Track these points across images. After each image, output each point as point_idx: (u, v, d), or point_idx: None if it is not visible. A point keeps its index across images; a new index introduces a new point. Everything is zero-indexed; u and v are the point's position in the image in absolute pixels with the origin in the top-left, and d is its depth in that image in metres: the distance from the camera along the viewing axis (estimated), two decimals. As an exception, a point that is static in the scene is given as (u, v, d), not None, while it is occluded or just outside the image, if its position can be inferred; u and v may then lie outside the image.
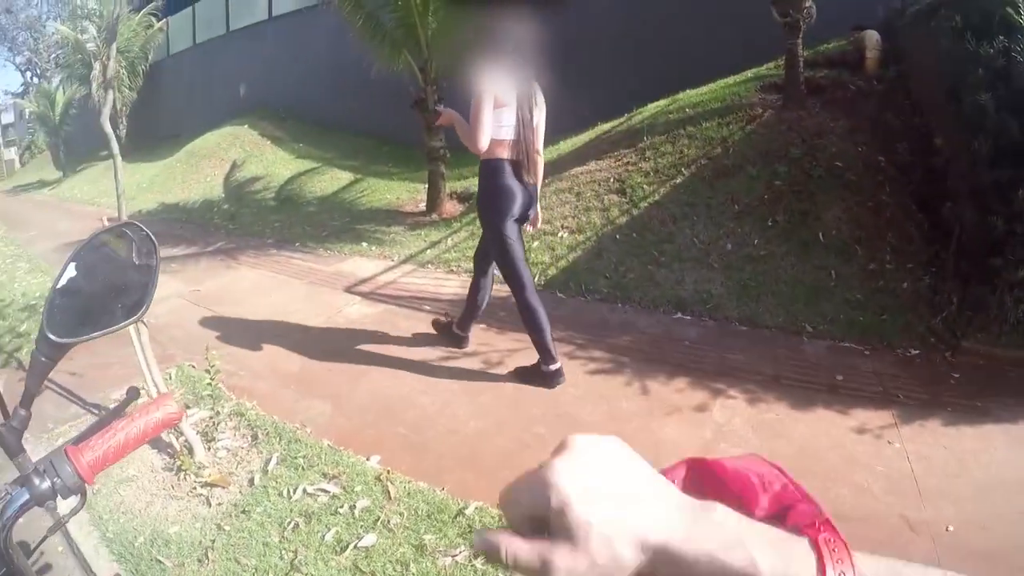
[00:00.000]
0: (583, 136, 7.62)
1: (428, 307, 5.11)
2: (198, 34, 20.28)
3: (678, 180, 5.71)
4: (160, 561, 2.77)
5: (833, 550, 0.45)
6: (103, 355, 5.40)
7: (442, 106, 4.09)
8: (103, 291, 0.95)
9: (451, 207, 7.77)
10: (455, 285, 5.53)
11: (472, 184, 8.10)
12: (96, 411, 4.45)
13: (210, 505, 3.14)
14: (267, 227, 9.23)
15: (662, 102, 7.16)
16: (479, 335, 4.46)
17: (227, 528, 2.93)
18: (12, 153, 43.97)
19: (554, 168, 6.78)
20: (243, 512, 3.03)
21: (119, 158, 3.37)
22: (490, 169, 3.62)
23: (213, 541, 2.85)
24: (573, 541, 0.48)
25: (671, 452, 2.93)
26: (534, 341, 3.69)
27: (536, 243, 5.61)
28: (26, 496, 0.90)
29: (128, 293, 0.95)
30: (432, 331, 4.49)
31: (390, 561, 2.57)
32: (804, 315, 4.20)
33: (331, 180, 10.69)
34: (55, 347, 0.89)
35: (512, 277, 3.70)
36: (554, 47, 8.79)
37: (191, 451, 3.48)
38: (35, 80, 40.74)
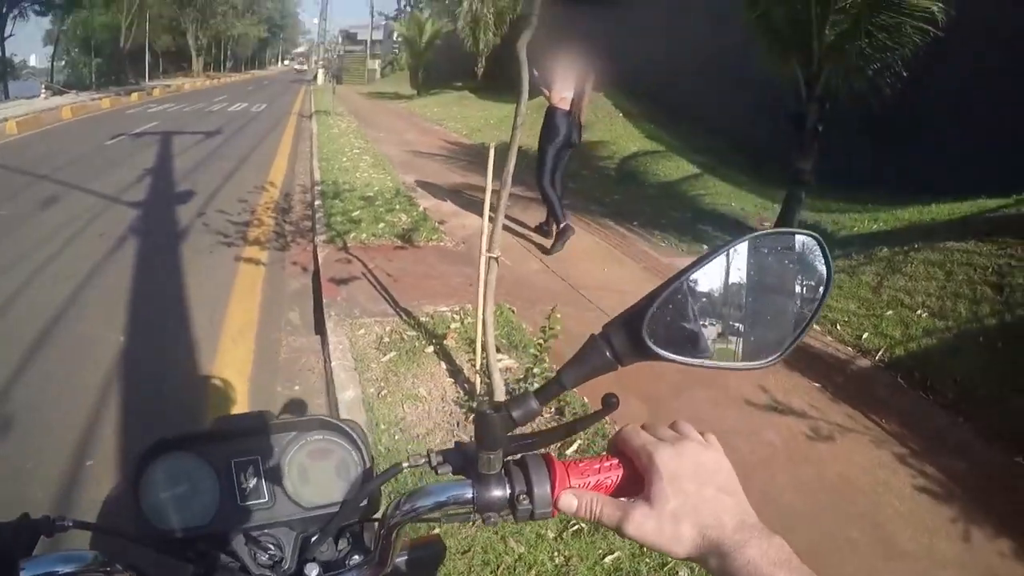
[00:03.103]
0: (962, 206, 6.84)
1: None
2: (571, -4, 20.86)
3: (1068, 297, 4.88)
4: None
5: None
6: (429, 265, 5.74)
7: (535, 72, 5.81)
8: (744, 310, 0.70)
9: (801, 238, 7.34)
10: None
11: (827, 220, 7.66)
12: (405, 317, 4.69)
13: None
14: (606, 196, 9.50)
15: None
16: (812, 396, 4.23)
17: (502, 496, 2.94)
18: (375, 65, 51.17)
19: (927, 234, 6.22)
20: (523, 485, 3.02)
21: (526, 87, 3.33)
22: (551, 112, 6.51)
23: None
24: (651, 505, 0.63)
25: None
26: (549, 211, 6.93)
27: (890, 312, 5.15)
28: (468, 495, 0.74)
29: (776, 324, 0.70)
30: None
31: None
32: None
33: (675, 168, 10.64)
34: (638, 351, 0.68)
35: (538, 174, 6.68)
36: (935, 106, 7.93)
37: (491, 396, 3.55)
38: (407, 8, 47.41)
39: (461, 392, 3.77)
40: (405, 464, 0.78)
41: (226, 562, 0.87)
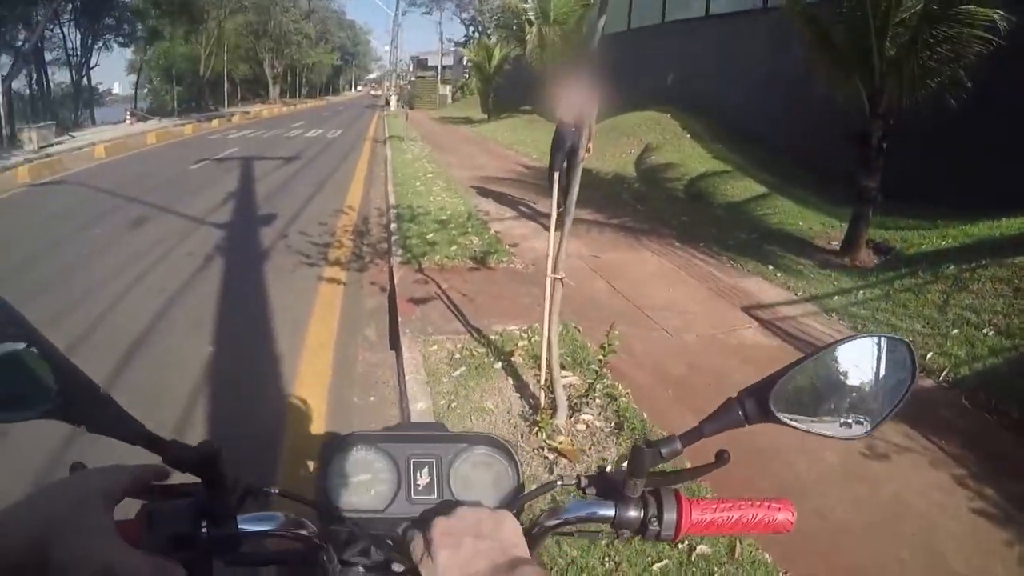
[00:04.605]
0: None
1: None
2: (633, 20, 21.15)
3: None
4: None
5: None
6: (499, 286, 5.94)
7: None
8: (833, 388, 0.87)
9: (866, 256, 7.34)
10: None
11: (894, 237, 7.63)
12: (475, 335, 4.94)
13: (551, 472, 3.24)
14: (673, 218, 9.54)
15: None
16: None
17: (561, 506, 3.06)
18: (446, 90, 51.69)
19: (996, 249, 6.15)
20: (580, 495, 3.13)
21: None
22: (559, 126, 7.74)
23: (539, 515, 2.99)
24: (431, 560, 0.72)
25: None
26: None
27: (956, 331, 5.09)
28: (610, 513, 0.88)
29: (867, 407, 0.86)
30: None
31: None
32: None
33: (743, 188, 10.66)
34: (763, 415, 0.85)
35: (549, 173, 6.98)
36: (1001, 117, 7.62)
37: (554, 412, 3.67)
38: (475, 35, 48.87)
39: (526, 406, 3.95)
40: (559, 483, 0.95)
41: (392, 544, 0.96)
